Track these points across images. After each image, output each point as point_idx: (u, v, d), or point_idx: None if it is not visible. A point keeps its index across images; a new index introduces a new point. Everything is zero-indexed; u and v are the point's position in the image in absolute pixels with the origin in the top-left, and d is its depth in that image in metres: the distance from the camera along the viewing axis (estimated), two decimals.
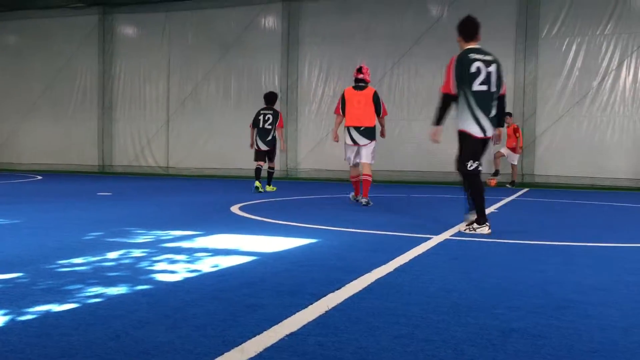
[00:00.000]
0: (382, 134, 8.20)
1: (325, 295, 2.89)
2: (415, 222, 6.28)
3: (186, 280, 3.23)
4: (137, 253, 4.02)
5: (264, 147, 10.59)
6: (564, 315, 2.63)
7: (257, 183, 10.31)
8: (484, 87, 5.31)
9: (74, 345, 2.10)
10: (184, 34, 17.09)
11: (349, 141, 7.99)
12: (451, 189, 11.85)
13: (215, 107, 16.58)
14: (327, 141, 15.05)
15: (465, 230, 5.38)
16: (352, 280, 3.24)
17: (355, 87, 8.03)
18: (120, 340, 2.16)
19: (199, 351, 2.06)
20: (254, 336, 2.23)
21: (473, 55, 5.33)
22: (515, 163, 13.39)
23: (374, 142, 8.01)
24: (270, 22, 16.21)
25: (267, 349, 2.09)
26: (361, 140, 7.94)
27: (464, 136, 5.41)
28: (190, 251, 4.14)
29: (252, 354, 2.03)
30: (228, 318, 2.48)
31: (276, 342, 2.17)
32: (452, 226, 5.81)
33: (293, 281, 3.25)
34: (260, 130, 10.57)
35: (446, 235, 5.24)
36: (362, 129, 7.92)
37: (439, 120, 5.50)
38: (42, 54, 18.55)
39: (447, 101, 5.39)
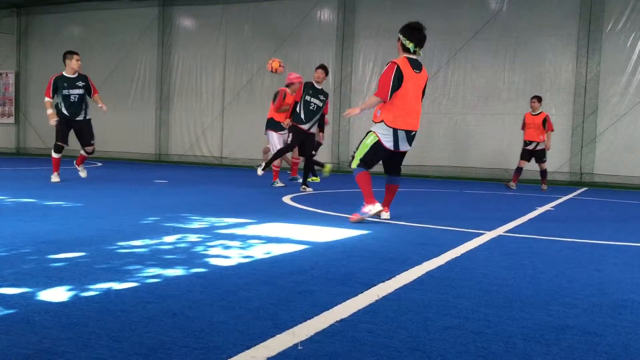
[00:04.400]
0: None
1: (375, 285, 2.90)
2: (468, 217, 6.20)
3: (239, 265, 3.30)
4: (192, 238, 4.13)
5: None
6: (621, 315, 2.56)
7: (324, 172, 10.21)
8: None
9: (133, 321, 2.19)
10: (240, 27, 17.31)
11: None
12: (504, 185, 11.61)
13: (270, 99, 16.73)
14: None
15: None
16: (402, 272, 3.24)
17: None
18: (177, 319, 2.24)
19: (251, 332, 2.11)
20: (305, 321, 2.27)
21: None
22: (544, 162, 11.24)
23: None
24: (325, 15, 16.24)
25: (317, 333, 2.12)
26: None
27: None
28: (243, 238, 4.22)
29: (303, 337, 2.07)
30: (279, 302, 2.53)
31: (327, 328, 2.19)
32: (507, 222, 5.71)
33: (343, 270, 3.28)
34: None
35: (500, 231, 5.15)
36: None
37: None
38: (104, 45, 19.14)
39: None
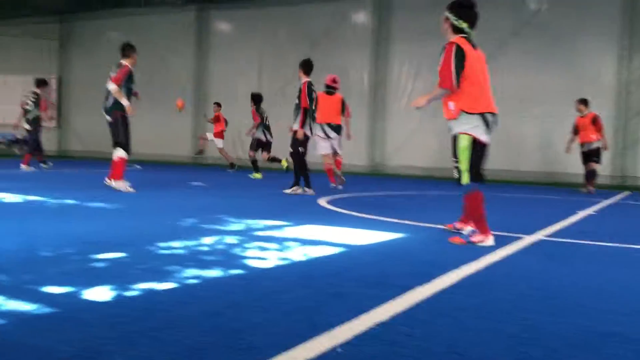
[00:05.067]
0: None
1: (412, 288, 2.89)
2: (508, 221, 6.12)
3: (277, 267, 3.33)
4: (229, 239, 4.18)
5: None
6: None
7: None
8: None
9: (175, 320, 2.23)
10: (275, 30, 17.43)
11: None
12: (543, 189, 11.41)
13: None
14: (416, 137, 14.92)
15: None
16: (440, 275, 3.22)
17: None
18: (216, 319, 2.27)
19: (289, 334, 2.12)
20: (342, 323, 2.28)
21: None
22: None
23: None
24: (360, 17, 16.23)
25: (356, 337, 2.12)
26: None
27: None
28: (279, 240, 4.25)
29: (342, 340, 2.07)
30: (316, 305, 2.54)
31: (365, 330, 2.20)
32: (547, 226, 5.62)
33: (380, 273, 3.27)
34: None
35: (540, 235, 5.07)
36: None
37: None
38: (142, 50, 19.38)
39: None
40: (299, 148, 8.47)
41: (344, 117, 9.71)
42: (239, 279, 2.99)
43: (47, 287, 2.62)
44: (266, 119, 13.00)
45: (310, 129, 8.64)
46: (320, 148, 9.50)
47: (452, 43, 4.50)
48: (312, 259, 3.60)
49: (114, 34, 20.48)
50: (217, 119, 15.46)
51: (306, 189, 8.45)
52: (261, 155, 12.94)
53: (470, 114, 4.47)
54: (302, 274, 3.17)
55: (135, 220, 5.17)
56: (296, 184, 8.50)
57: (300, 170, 8.52)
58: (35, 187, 8.01)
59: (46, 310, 2.28)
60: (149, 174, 12.81)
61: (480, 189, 4.53)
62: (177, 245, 3.86)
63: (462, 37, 4.56)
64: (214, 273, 3.08)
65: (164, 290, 2.68)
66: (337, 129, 9.48)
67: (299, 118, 8.45)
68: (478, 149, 4.51)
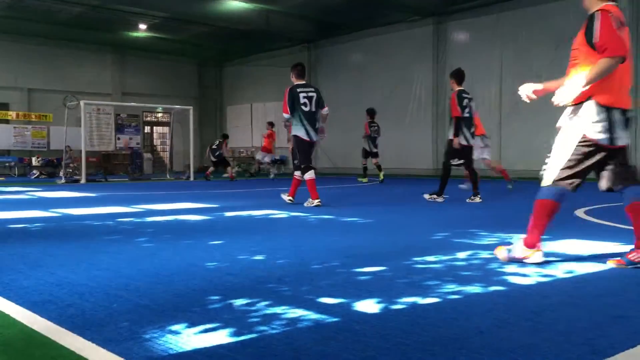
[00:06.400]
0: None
1: None
2: None
3: (540, 284, 3.18)
4: (484, 254, 4.10)
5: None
6: None
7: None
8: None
9: (445, 336, 2.26)
10: (516, 33, 16.76)
11: None
12: None
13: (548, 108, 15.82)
14: None
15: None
16: None
17: None
18: (485, 337, 2.25)
19: (567, 356, 2.01)
20: (627, 349, 2.08)
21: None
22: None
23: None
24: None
25: None
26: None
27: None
28: None
29: None
30: (593, 327, 2.36)
31: None
32: None
33: None
34: None
35: None
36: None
37: None
38: (382, 68, 20.28)
39: None
40: (452, 159, 8.64)
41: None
42: (501, 296, 2.92)
43: (322, 298, 2.85)
44: (375, 132, 15.15)
45: (466, 138, 8.53)
46: (480, 152, 10.28)
47: (605, 10, 3.55)
48: (579, 276, 3.35)
49: (356, 55, 21.70)
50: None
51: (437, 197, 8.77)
52: (372, 162, 15.17)
53: (601, 106, 3.54)
54: (570, 292, 2.97)
55: (388, 234, 5.38)
56: (439, 193, 8.77)
57: (443, 179, 8.78)
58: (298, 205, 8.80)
59: (325, 319, 2.49)
60: (392, 187, 13.21)
61: None
62: (433, 260, 3.91)
63: (612, 4, 3.64)
64: (474, 289, 3.04)
65: (427, 305, 2.73)
66: None
67: (452, 128, 8.47)
68: (588, 151, 3.60)
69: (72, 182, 15.79)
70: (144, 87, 24.86)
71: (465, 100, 8.57)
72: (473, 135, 8.74)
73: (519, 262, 3.73)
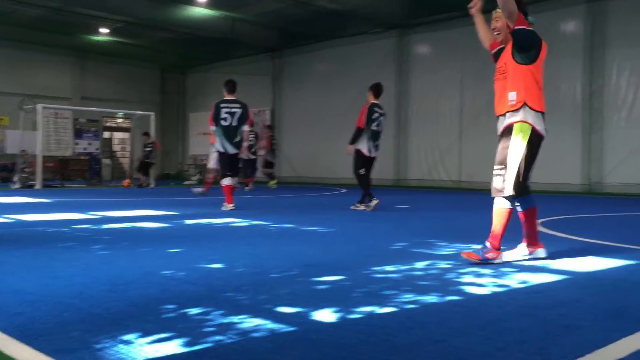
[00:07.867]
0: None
1: None
2: None
3: (495, 294, 3.23)
4: (442, 264, 4.15)
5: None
6: None
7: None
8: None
9: (399, 345, 2.27)
10: (477, 47, 17.06)
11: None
12: None
13: None
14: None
15: None
16: None
17: None
18: (440, 346, 2.27)
19: None
20: (576, 358, 2.13)
21: None
22: None
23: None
24: (570, 26, 15.21)
25: None
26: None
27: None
28: (495, 266, 4.11)
29: None
30: (545, 336, 2.41)
31: None
32: None
33: (613, 304, 3.00)
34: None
35: None
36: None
37: None
38: (346, 78, 20.39)
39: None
40: (360, 169, 9.11)
41: None
42: (457, 305, 2.95)
43: (280, 307, 2.84)
44: (274, 145, 17.75)
45: (369, 149, 8.99)
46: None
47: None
48: (534, 287, 3.42)
49: (320, 65, 21.77)
50: None
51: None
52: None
53: (536, 111, 4.17)
54: (525, 302, 3.03)
55: (348, 243, 5.39)
56: (361, 201, 9.12)
57: (362, 187, 9.17)
58: (260, 213, 8.76)
59: (282, 329, 2.48)
60: (353, 197, 13.27)
61: None
62: (391, 269, 3.93)
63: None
64: (431, 298, 3.07)
65: (384, 315, 2.74)
66: None
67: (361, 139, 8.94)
68: (536, 148, 4.19)
69: (27, 187, 15.39)
70: (105, 92, 24.40)
71: (376, 114, 8.94)
72: (377, 147, 9.08)
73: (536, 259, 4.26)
